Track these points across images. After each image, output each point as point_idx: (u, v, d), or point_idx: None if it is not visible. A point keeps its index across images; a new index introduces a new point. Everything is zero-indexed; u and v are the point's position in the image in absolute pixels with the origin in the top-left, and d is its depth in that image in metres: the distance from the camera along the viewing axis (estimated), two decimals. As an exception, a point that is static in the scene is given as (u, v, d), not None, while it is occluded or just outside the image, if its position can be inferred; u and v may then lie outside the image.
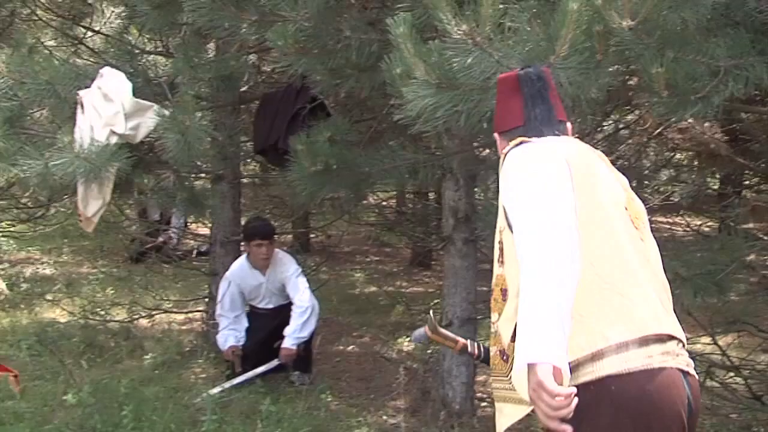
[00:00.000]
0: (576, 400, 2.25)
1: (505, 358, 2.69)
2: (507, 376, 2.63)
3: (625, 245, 2.64)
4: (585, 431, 2.40)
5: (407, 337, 3.36)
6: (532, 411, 2.48)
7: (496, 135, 2.95)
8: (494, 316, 2.76)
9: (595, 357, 2.47)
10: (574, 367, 2.40)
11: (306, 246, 12.66)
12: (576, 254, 2.40)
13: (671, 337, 2.58)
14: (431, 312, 3.08)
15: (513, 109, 2.87)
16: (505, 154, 2.72)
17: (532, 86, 2.85)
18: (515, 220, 2.49)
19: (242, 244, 7.56)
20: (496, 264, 2.77)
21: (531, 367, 2.26)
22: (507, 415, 2.74)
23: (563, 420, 2.26)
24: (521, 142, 2.72)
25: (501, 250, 2.72)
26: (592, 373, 2.44)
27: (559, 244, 2.37)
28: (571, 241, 2.39)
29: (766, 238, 6.17)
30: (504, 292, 2.69)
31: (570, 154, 2.68)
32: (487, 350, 2.92)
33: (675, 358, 2.56)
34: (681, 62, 3.47)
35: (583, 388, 2.35)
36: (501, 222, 2.71)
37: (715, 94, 3.53)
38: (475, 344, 3.22)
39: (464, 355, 3.06)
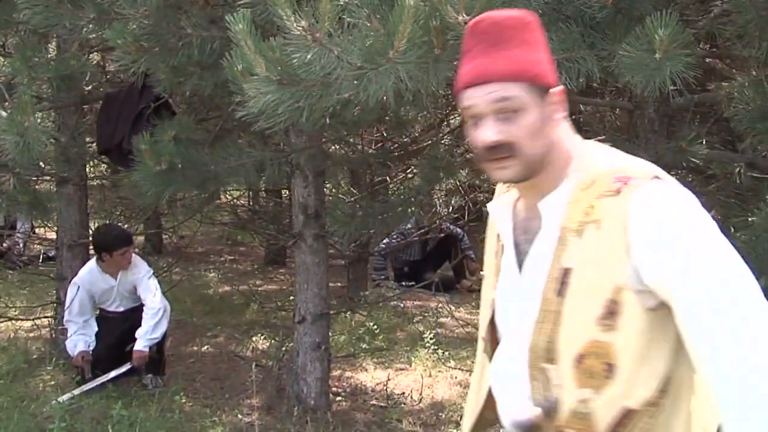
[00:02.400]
0: None
1: None
2: None
3: None
4: None
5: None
6: None
7: (554, 91, 2.10)
8: (583, 393, 2.12)
9: None
10: None
11: (158, 247, 12.53)
12: None
13: None
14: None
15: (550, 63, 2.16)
16: (628, 183, 2.04)
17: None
18: (712, 295, 1.92)
19: (91, 250, 7.39)
20: (591, 325, 2.10)
21: None
22: None
23: None
24: (654, 177, 2.06)
25: (612, 311, 2.08)
26: None
27: None
28: None
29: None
30: (610, 367, 2.10)
31: None
32: None
33: None
34: (516, 56, 3.57)
35: None
36: (618, 279, 2.06)
37: (549, 86, 3.64)
38: None
39: None
